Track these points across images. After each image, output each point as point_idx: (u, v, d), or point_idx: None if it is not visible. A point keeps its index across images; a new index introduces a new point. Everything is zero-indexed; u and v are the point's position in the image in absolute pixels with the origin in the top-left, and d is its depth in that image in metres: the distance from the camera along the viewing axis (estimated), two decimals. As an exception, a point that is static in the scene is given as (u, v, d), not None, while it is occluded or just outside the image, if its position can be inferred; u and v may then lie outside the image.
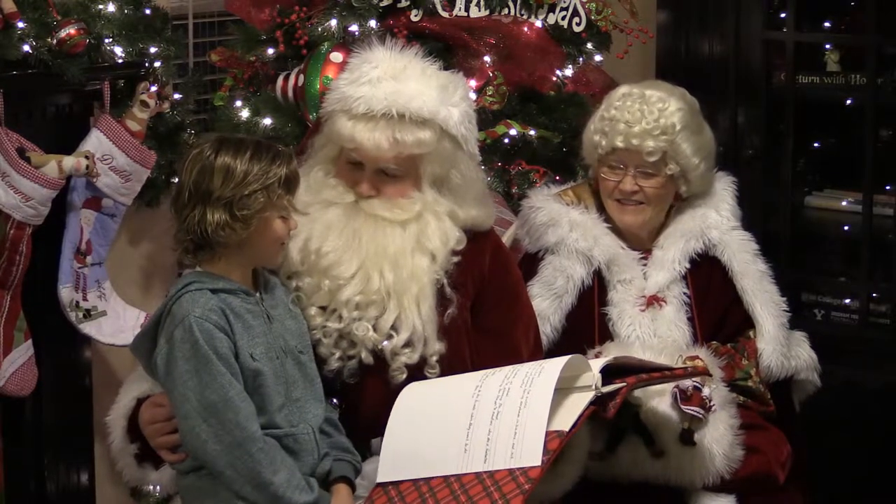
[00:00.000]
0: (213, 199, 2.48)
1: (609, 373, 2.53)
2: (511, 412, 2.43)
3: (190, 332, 2.45)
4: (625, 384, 2.52)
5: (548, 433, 2.39)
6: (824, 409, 3.45)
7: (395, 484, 2.49)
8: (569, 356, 2.51)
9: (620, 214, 3.10)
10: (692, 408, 2.77)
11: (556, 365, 2.48)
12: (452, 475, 2.42)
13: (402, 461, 2.51)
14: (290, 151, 2.61)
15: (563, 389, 2.48)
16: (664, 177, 3.06)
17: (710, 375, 2.82)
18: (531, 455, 2.37)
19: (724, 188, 3.20)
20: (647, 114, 3.03)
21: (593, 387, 2.47)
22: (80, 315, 3.36)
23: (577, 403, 2.46)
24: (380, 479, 2.52)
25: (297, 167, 2.60)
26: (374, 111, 2.69)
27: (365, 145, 2.70)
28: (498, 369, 2.56)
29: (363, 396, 2.70)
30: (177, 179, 2.57)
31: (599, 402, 2.49)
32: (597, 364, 2.52)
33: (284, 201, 2.55)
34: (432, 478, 2.45)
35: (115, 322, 3.42)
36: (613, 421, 2.80)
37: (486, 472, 2.39)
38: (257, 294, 2.58)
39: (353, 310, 2.68)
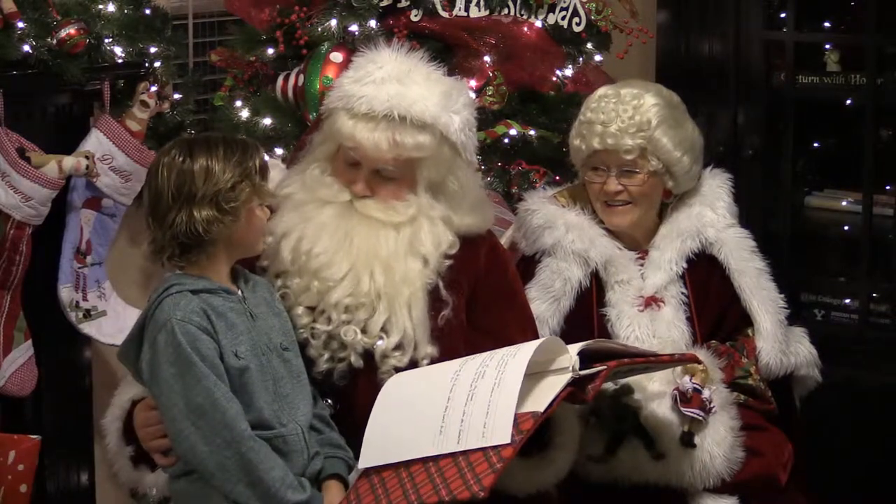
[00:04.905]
0: (198, 199, 2.47)
1: (591, 358, 2.52)
2: (484, 393, 2.43)
3: (173, 335, 2.44)
4: (605, 367, 2.51)
5: (522, 414, 2.39)
6: (824, 409, 3.45)
7: (378, 471, 2.48)
8: (545, 338, 2.50)
9: (609, 216, 3.08)
10: (692, 410, 2.78)
11: (531, 345, 2.48)
12: (430, 459, 2.42)
13: (382, 446, 2.50)
14: (253, 141, 2.63)
15: (540, 373, 2.48)
16: (647, 174, 3.03)
17: (699, 362, 2.80)
18: (501, 432, 2.36)
19: (720, 185, 3.17)
20: (621, 112, 3.01)
21: (570, 368, 2.47)
22: (80, 315, 3.36)
23: (554, 385, 2.45)
24: (362, 465, 2.51)
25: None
26: (375, 112, 2.68)
27: (364, 145, 2.70)
28: (478, 354, 2.56)
29: (354, 398, 2.69)
30: (147, 189, 2.55)
31: (578, 384, 2.48)
32: (575, 347, 2.51)
33: (264, 188, 2.57)
34: (412, 462, 2.44)
35: (115, 322, 3.42)
36: (613, 424, 2.82)
37: (461, 453, 2.38)
38: (239, 292, 2.58)
39: (342, 312, 2.67)
